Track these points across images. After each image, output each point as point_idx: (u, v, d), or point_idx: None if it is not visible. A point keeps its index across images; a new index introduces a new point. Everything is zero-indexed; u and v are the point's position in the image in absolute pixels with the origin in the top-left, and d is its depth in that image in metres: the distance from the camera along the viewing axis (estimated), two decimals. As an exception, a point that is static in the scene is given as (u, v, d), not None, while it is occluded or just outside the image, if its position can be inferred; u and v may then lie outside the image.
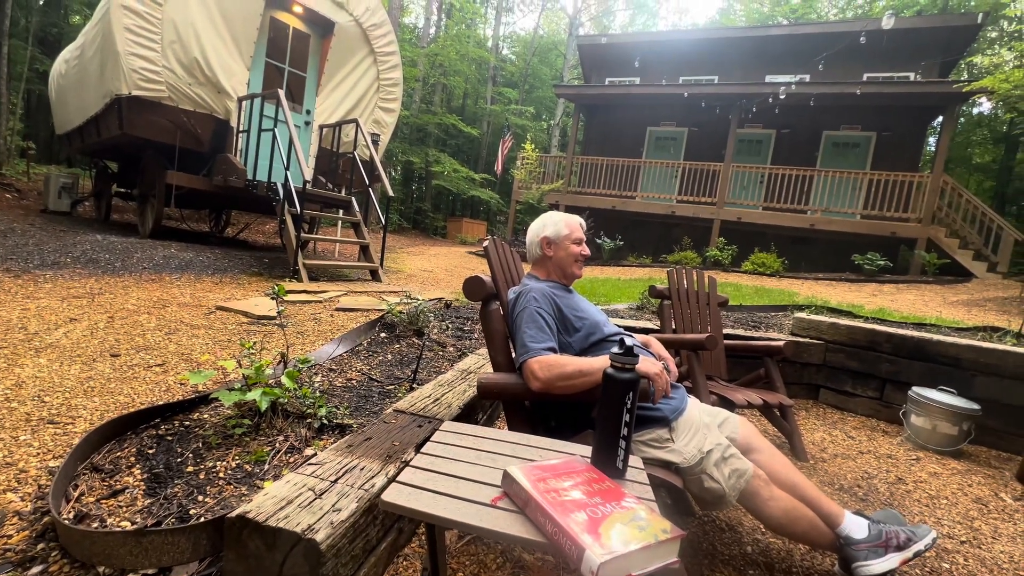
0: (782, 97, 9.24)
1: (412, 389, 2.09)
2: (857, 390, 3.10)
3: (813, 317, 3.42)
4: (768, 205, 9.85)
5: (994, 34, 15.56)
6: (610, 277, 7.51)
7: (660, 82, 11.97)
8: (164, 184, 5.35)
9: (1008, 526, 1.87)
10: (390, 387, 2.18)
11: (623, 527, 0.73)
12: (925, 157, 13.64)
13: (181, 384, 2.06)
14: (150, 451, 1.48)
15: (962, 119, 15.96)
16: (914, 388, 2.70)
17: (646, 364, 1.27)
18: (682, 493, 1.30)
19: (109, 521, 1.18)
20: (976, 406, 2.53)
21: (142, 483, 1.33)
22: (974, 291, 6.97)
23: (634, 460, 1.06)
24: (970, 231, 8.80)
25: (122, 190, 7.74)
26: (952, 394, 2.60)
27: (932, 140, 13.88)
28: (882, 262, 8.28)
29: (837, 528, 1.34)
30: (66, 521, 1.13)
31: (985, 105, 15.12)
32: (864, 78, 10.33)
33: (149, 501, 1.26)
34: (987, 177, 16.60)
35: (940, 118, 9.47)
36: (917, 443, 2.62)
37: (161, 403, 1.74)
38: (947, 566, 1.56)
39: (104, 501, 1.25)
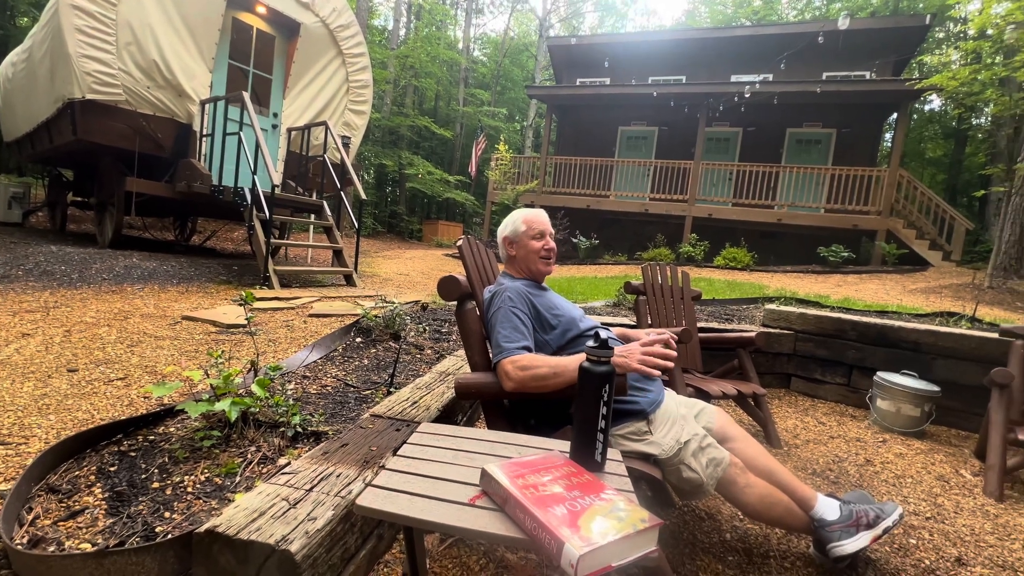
0: (747, 96, 9.50)
1: (389, 393, 2.05)
2: (826, 377, 3.20)
3: (783, 308, 3.52)
4: (737, 201, 10.11)
5: (941, 35, 16.38)
6: (586, 276, 7.57)
7: (630, 82, 12.15)
8: (123, 191, 5.14)
9: (968, 501, 1.96)
10: (367, 392, 2.14)
11: (603, 519, 0.73)
12: (882, 152, 14.23)
13: (145, 397, 1.97)
14: (112, 468, 1.41)
15: (915, 116, 16.74)
16: (879, 373, 2.80)
17: (628, 357, 1.27)
18: (662, 485, 1.31)
19: (67, 544, 1.11)
20: (936, 388, 2.64)
21: (103, 502, 1.27)
22: (931, 279, 7.31)
23: (613, 453, 1.07)
24: (926, 222, 9.25)
25: (78, 199, 7.39)
26: (914, 377, 2.71)
27: (888, 136, 14.51)
28: (846, 254, 8.60)
29: (811, 511, 1.38)
30: (19, 546, 1.06)
31: (936, 102, 15.91)
32: (823, 77, 10.70)
33: (111, 521, 1.20)
34: (939, 170, 17.47)
35: (895, 115, 9.90)
36: (883, 426, 2.72)
37: (123, 418, 1.66)
38: (914, 541, 1.62)
39: (62, 523, 1.18)
